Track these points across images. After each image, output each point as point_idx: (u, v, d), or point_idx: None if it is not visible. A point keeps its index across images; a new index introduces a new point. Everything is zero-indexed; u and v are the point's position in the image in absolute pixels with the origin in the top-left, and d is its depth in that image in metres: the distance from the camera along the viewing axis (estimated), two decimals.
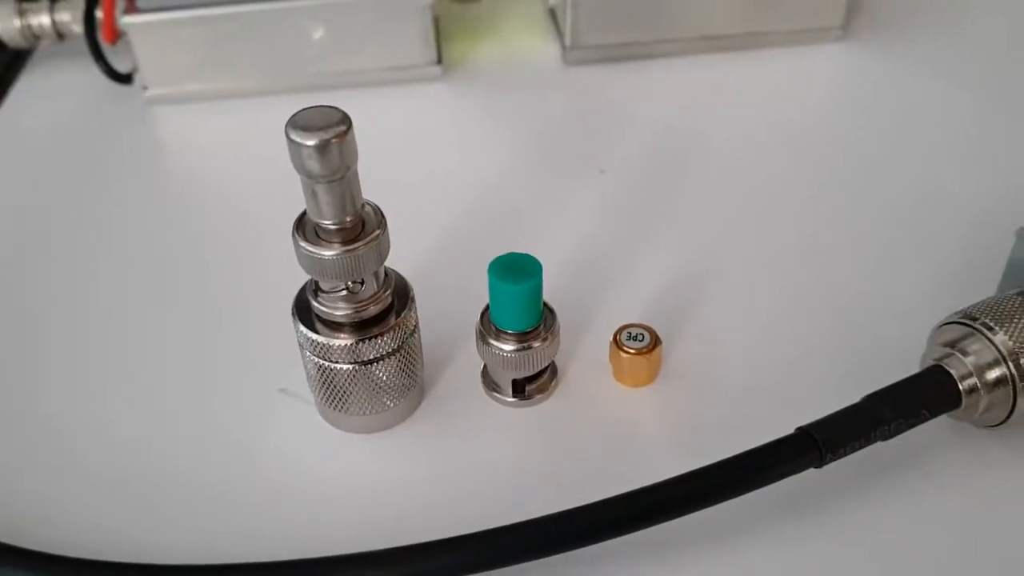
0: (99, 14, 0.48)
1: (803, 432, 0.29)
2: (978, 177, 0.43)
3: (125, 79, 0.49)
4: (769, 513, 0.30)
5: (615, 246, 0.40)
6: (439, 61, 0.49)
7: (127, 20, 0.46)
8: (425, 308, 0.33)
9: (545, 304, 0.33)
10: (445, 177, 0.44)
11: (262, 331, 0.36)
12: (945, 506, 0.31)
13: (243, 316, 0.37)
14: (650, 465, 0.32)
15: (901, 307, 0.37)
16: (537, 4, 0.54)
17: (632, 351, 0.34)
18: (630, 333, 0.34)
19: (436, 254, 0.40)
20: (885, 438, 0.30)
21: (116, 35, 0.47)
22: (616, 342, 0.34)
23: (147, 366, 0.36)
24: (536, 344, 0.32)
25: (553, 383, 0.34)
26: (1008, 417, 0.31)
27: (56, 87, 0.50)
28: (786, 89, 0.49)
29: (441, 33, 0.52)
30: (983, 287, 0.35)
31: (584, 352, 0.35)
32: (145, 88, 0.48)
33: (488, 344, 0.33)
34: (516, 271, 0.31)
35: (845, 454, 0.30)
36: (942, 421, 0.31)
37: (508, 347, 0.32)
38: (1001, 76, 0.49)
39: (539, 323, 0.32)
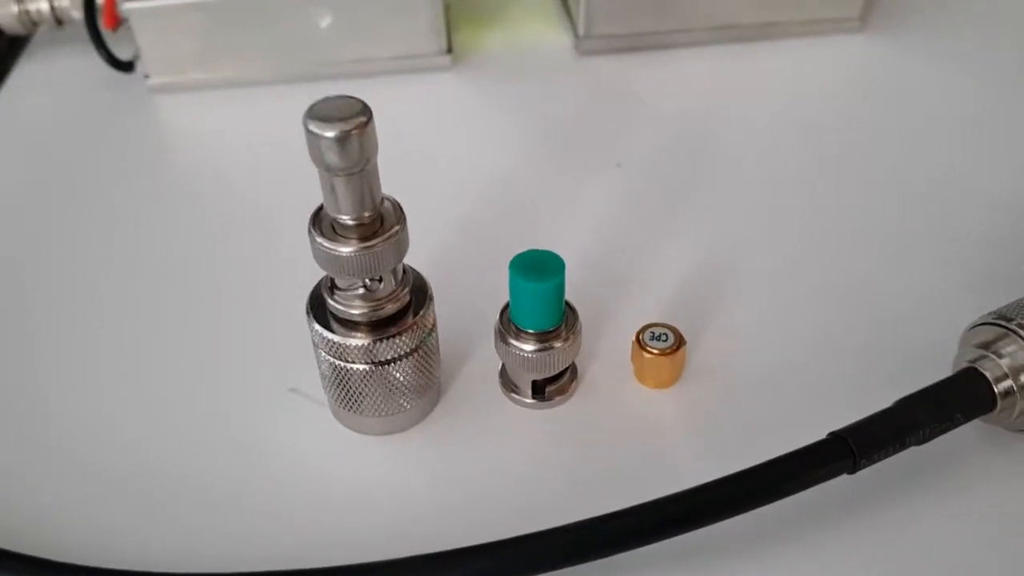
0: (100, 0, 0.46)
1: (837, 437, 0.28)
2: (1003, 169, 0.42)
3: (126, 67, 0.48)
4: (797, 519, 0.30)
5: (634, 241, 0.39)
6: (449, 50, 0.48)
7: (129, 5, 0.45)
8: (440, 305, 0.32)
9: (567, 303, 0.32)
10: (456, 170, 0.43)
11: (272, 329, 0.35)
12: (978, 513, 0.30)
13: (252, 313, 0.36)
14: (673, 470, 0.31)
15: (930, 304, 0.36)
16: None
17: (656, 351, 0.33)
18: (653, 333, 0.33)
19: (449, 249, 0.39)
20: (919, 443, 0.29)
21: (117, 21, 0.46)
22: (639, 342, 0.33)
23: (151, 364, 0.35)
24: (558, 344, 0.31)
25: (573, 384, 0.33)
26: None
27: (55, 75, 0.49)
28: (804, 80, 0.48)
29: (451, 22, 0.50)
30: (1014, 283, 0.34)
31: (605, 352, 0.34)
32: (147, 76, 0.47)
33: (508, 344, 0.31)
34: (538, 269, 0.30)
35: (879, 459, 0.29)
36: (974, 425, 0.30)
37: (529, 347, 0.31)
38: (1022, 68, 0.48)
39: (561, 323, 0.31)
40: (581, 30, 0.49)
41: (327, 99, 0.27)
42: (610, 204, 0.41)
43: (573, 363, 0.33)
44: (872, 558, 0.29)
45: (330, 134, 0.26)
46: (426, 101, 0.47)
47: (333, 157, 0.26)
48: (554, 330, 0.31)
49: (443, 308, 0.33)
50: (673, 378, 0.33)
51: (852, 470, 0.28)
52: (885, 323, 0.35)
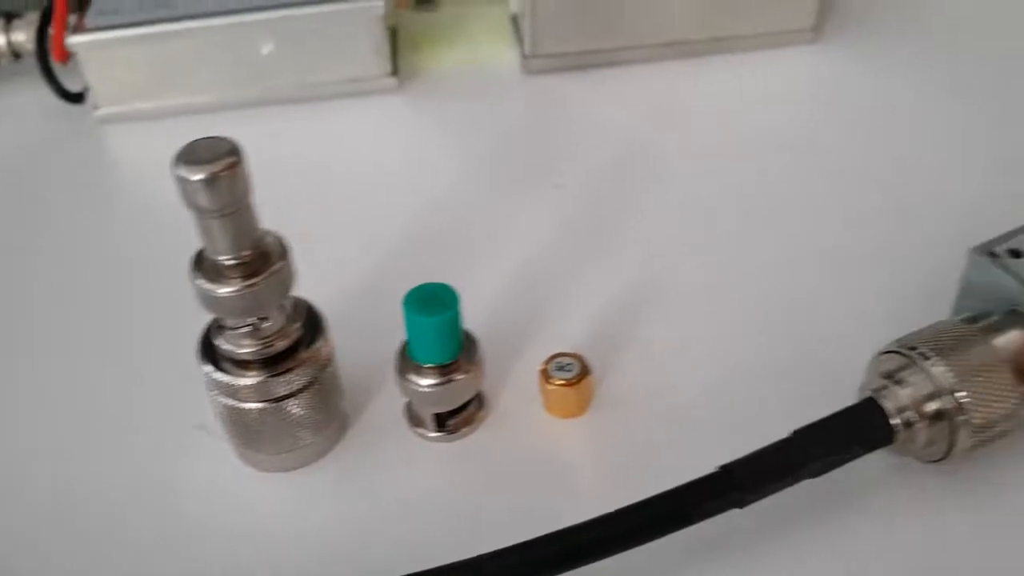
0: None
1: (724, 471, 0.28)
2: (943, 189, 0.41)
3: (76, 98, 0.48)
4: (692, 553, 0.29)
5: (562, 266, 0.39)
6: (395, 72, 0.48)
7: (74, 40, 0.46)
8: (351, 336, 0.32)
9: (467, 333, 0.32)
10: (392, 194, 0.43)
11: (184, 363, 0.35)
12: (879, 545, 0.29)
13: (166, 347, 0.36)
14: (576, 503, 0.30)
15: (852, 330, 0.35)
16: (502, 11, 0.52)
17: (560, 382, 0.32)
18: (559, 363, 0.33)
19: (373, 276, 0.38)
20: (814, 475, 0.28)
21: (66, 54, 0.47)
22: (544, 373, 0.32)
23: (61, 397, 0.35)
24: (457, 377, 0.31)
25: (481, 415, 0.33)
26: (948, 454, 0.29)
27: (10, 107, 0.50)
28: (753, 95, 0.47)
29: (401, 43, 0.51)
30: (939, 309, 0.33)
31: (517, 381, 0.34)
32: (96, 107, 0.48)
33: (406, 379, 0.31)
34: (432, 302, 0.30)
35: (769, 493, 0.28)
36: (883, 455, 0.30)
37: (427, 381, 0.31)
38: (976, 80, 0.47)
39: (459, 355, 0.31)
40: (528, 49, 0.48)
41: (198, 140, 0.27)
42: (544, 227, 0.41)
43: (480, 394, 0.33)
44: None
45: (199, 176, 0.26)
46: (369, 125, 0.47)
47: (204, 199, 0.26)
48: (452, 363, 0.31)
49: (354, 340, 0.33)
50: (581, 408, 0.33)
51: (741, 504, 0.28)
52: (805, 351, 0.34)
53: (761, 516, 0.29)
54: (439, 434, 0.33)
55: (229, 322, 0.29)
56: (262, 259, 0.28)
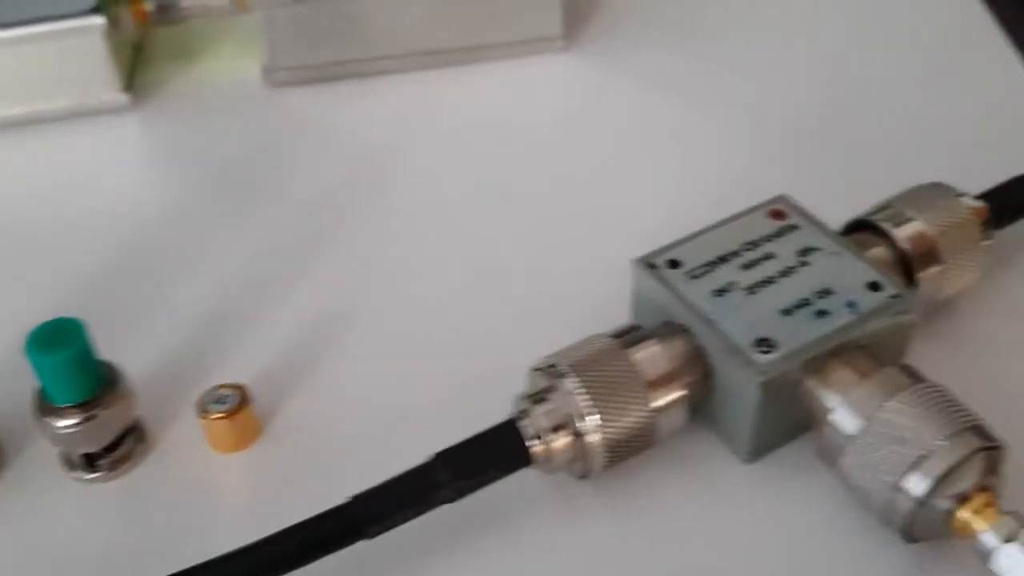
0: None
1: (352, 501, 0.27)
2: (653, 197, 0.40)
3: None
4: None
5: (257, 291, 0.37)
6: (129, 89, 0.46)
7: None
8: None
9: (109, 365, 0.30)
10: (106, 220, 0.41)
11: None
12: (528, 561, 0.29)
13: None
14: (228, 541, 0.29)
15: (540, 346, 0.34)
16: (251, 23, 0.51)
17: (215, 415, 0.31)
18: (217, 395, 0.31)
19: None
20: (450, 500, 0.28)
21: None
22: (199, 405, 0.31)
23: None
24: (101, 412, 0.30)
25: (140, 450, 0.32)
26: (588, 471, 0.29)
27: None
28: (501, 104, 0.46)
29: (145, 59, 0.49)
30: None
31: (187, 414, 0.33)
32: None
33: (45, 423, 0.30)
34: (55, 338, 0.29)
35: (398, 523, 0.27)
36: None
37: (67, 422, 0.30)
38: (719, 89, 0.46)
39: (100, 389, 0.30)
40: (267, 61, 0.47)
41: None
42: (251, 250, 0.39)
43: (140, 427, 0.32)
44: None
45: None
46: (98, 146, 0.45)
47: None
48: (93, 399, 0.30)
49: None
50: (242, 441, 0.32)
51: (369, 536, 0.27)
52: (489, 373, 0.33)
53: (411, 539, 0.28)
54: (96, 475, 0.31)
55: None
56: None
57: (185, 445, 0.32)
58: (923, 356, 0.33)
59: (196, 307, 0.37)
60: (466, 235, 0.39)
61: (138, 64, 0.48)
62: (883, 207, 0.34)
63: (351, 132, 0.45)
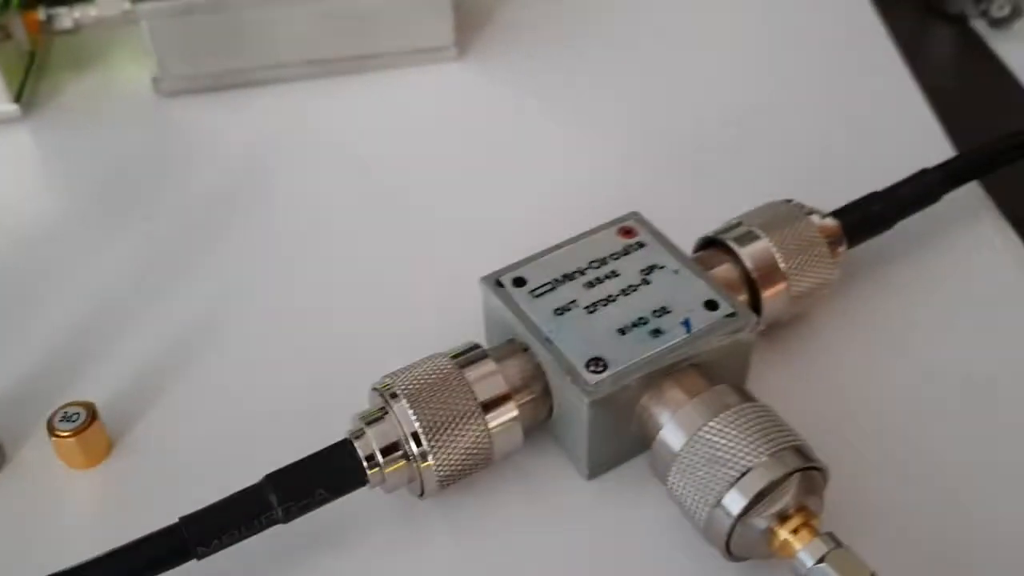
0: None
1: (181, 522, 0.27)
2: (525, 211, 0.40)
3: None
4: None
5: (125, 305, 0.37)
6: (18, 99, 0.46)
7: None
8: None
9: None
10: None
11: None
12: None
13: None
14: (73, 556, 0.29)
15: (400, 362, 0.34)
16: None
17: (64, 433, 0.31)
18: (65, 413, 0.31)
19: None
20: (282, 521, 0.28)
21: None
22: (48, 425, 0.31)
23: None
24: None
25: None
26: (423, 492, 0.29)
27: None
28: (383, 114, 0.47)
29: (38, 69, 0.49)
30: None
31: (42, 431, 0.33)
32: None
33: None
34: None
35: (227, 544, 0.28)
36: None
37: None
38: (600, 104, 0.47)
39: None
40: (156, 70, 0.47)
41: None
42: (125, 265, 0.39)
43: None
44: None
45: None
46: None
47: None
48: None
49: None
50: (93, 457, 0.32)
51: (198, 556, 0.27)
52: (340, 385, 0.33)
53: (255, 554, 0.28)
54: None
55: None
56: None
57: (39, 462, 0.32)
58: (769, 373, 0.34)
59: (57, 323, 0.37)
60: (337, 248, 0.40)
61: (31, 74, 0.48)
62: (734, 225, 0.34)
63: (237, 141, 0.45)
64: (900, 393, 0.33)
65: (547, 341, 0.30)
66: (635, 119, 0.46)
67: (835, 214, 0.35)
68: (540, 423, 0.31)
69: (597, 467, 0.31)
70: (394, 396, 0.29)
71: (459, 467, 0.29)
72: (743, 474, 0.27)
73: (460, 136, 0.45)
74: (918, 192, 0.37)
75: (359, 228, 0.41)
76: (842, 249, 0.35)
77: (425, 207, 0.41)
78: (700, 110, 0.46)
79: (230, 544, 0.28)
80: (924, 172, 0.37)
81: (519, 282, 0.32)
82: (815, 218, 0.34)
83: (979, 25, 0.52)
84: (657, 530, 0.30)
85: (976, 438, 0.32)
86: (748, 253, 0.33)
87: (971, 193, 0.40)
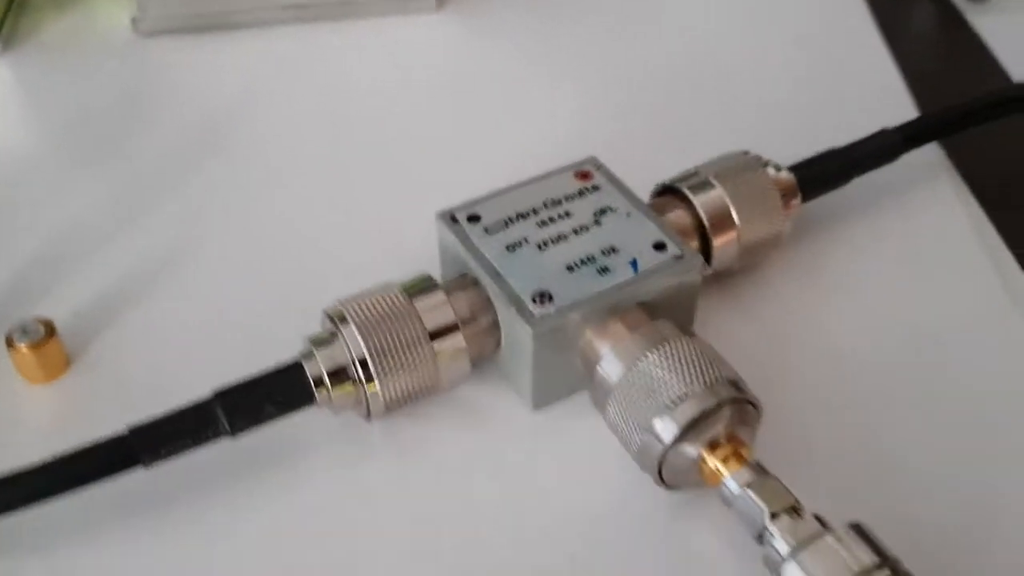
0: None
1: (130, 431, 0.28)
2: (498, 155, 0.41)
3: None
4: (112, 510, 0.29)
5: (93, 233, 0.38)
6: None
7: None
8: None
9: None
10: None
11: None
12: (307, 498, 0.30)
13: None
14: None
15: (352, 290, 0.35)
16: None
17: (23, 346, 0.32)
18: (24, 328, 0.32)
19: None
20: (229, 435, 0.29)
21: None
22: (8, 339, 0.32)
23: None
24: None
25: None
26: (369, 415, 0.30)
27: None
28: (360, 61, 0.47)
29: (19, 5, 0.49)
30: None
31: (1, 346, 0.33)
32: None
33: None
34: None
35: (174, 453, 0.28)
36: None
37: None
38: (577, 54, 0.47)
39: None
40: (137, 10, 0.47)
41: None
42: (96, 196, 0.40)
43: None
44: (178, 552, 0.29)
45: None
46: None
47: None
48: None
49: None
50: (52, 371, 0.33)
51: (144, 463, 0.28)
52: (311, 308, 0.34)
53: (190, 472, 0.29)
54: None
55: None
56: None
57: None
58: (717, 318, 0.34)
59: (25, 248, 0.37)
60: (306, 185, 0.40)
61: (11, 11, 0.49)
62: (691, 174, 0.35)
63: (214, 83, 0.46)
64: (843, 341, 0.34)
65: (496, 275, 0.31)
66: (608, 69, 0.46)
67: (792, 168, 0.36)
68: (489, 356, 0.32)
69: (542, 398, 0.32)
70: (344, 321, 0.30)
71: (405, 393, 0.30)
72: (677, 403, 0.27)
73: (436, 83, 0.46)
74: (875, 150, 0.38)
75: (329, 167, 0.41)
76: (795, 202, 0.35)
77: (395, 148, 0.42)
78: (674, 60, 0.47)
79: (176, 453, 0.28)
80: (883, 132, 0.38)
81: (474, 219, 0.32)
82: (771, 170, 0.35)
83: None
84: (597, 459, 0.30)
85: (915, 390, 0.32)
86: (701, 201, 0.34)
87: (933, 155, 0.41)
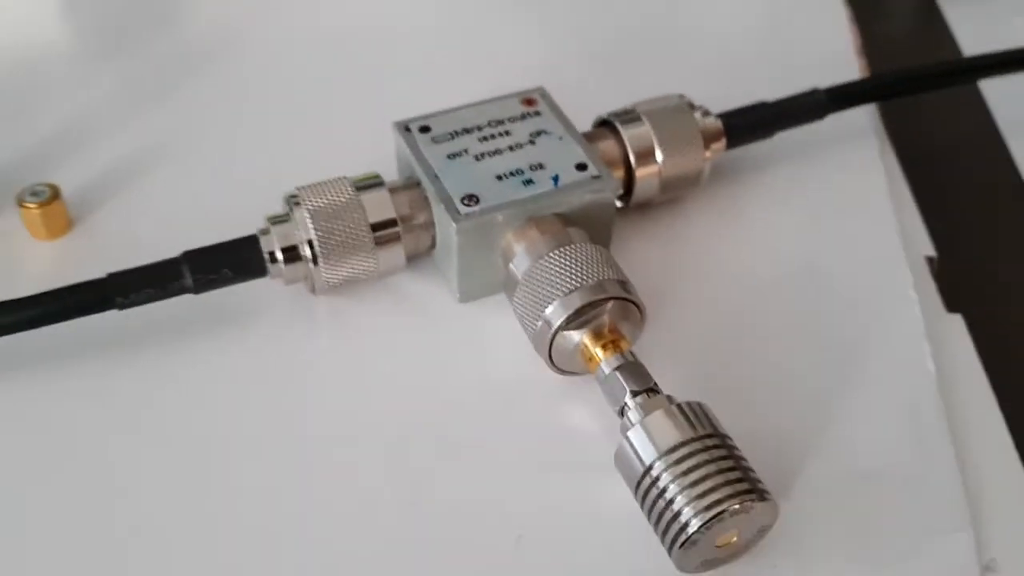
0: None
1: (107, 277, 0.33)
2: (484, 76, 0.44)
3: None
4: (82, 348, 0.34)
5: (111, 113, 0.44)
6: None
7: None
8: None
9: None
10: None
11: None
12: (249, 356, 0.35)
13: None
14: None
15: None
16: None
17: (31, 206, 0.37)
18: (34, 189, 0.38)
19: None
20: (192, 291, 0.34)
21: None
22: (17, 197, 0.37)
23: None
24: None
25: None
26: (315, 289, 0.35)
27: None
28: None
29: None
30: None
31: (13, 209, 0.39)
32: None
33: None
34: None
35: (146, 300, 0.34)
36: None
37: None
38: None
39: None
40: None
41: None
42: (119, 81, 0.45)
43: None
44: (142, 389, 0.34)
45: None
46: None
47: None
48: None
49: None
50: (56, 229, 0.38)
51: (118, 306, 0.33)
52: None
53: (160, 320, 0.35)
54: None
55: None
56: None
57: (8, 231, 0.38)
58: (635, 241, 0.39)
59: (43, 124, 0.43)
60: (294, 90, 0.45)
61: None
62: (628, 110, 0.39)
63: None
64: (741, 269, 0.38)
65: (435, 178, 0.35)
66: (573, 16, 0.50)
67: (721, 115, 0.40)
68: (426, 252, 0.37)
69: (468, 292, 0.36)
70: (298, 205, 0.34)
71: (345, 274, 0.35)
72: (567, 292, 0.32)
73: (417, 8, 0.50)
74: (803, 107, 0.41)
75: (317, 75, 0.46)
76: (717, 146, 0.39)
77: (375, 64, 0.47)
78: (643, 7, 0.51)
79: (147, 301, 0.33)
80: (813, 91, 0.42)
81: (424, 129, 0.37)
82: (698, 115, 0.39)
83: None
84: (506, 346, 0.35)
85: (795, 316, 0.36)
86: (629, 135, 0.38)
87: (868, 121, 0.45)
